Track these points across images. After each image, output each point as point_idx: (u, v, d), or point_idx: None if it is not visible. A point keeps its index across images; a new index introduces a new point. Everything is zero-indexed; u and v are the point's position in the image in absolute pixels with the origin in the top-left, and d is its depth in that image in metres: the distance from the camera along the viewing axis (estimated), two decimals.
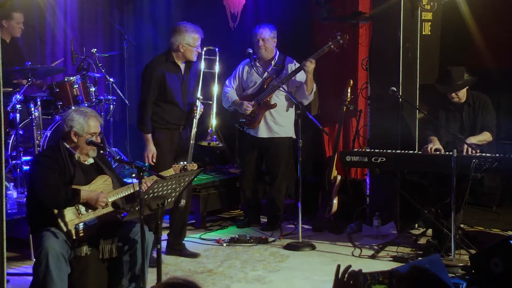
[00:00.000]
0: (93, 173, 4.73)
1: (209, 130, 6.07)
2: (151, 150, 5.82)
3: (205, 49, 6.15)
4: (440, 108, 6.32)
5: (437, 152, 6.01)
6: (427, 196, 6.20)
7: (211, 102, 6.12)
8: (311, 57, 6.54)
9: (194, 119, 5.92)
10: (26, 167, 6.44)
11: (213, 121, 6.08)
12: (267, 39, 6.73)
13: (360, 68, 7.40)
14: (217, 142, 6.12)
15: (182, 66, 5.97)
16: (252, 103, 6.75)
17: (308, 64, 6.51)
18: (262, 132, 6.84)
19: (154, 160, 5.80)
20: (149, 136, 5.83)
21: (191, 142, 5.89)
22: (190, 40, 5.87)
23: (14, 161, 6.57)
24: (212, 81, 6.18)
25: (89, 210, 4.58)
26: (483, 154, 5.77)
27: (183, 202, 5.74)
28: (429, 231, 6.39)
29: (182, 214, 6.04)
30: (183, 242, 6.14)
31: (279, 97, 6.79)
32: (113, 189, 4.71)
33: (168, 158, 5.82)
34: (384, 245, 6.20)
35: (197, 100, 5.94)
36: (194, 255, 6.03)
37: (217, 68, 6.18)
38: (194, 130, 5.91)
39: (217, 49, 6.21)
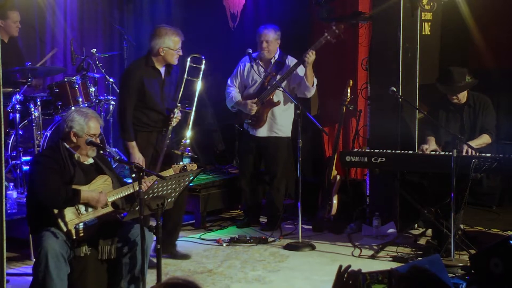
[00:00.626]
0: (93, 173, 4.72)
1: (183, 140, 5.91)
2: (139, 157, 5.67)
3: (191, 56, 6.07)
4: (440, 108, 6.32)
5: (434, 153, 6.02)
6: (427, 196, 6.20)
7: (190, 111, 5.98)
8: (311, 49, 6.53)
9: (170, 127, 5.78)
10: (26, 167, 6.44)
11: (189, 132, 5.90)
12: (271, 41, 6.72)
13: (360, 68, 7.40)
14: (190, 154, 5.91)
15: (162, 70, 5.83)
16: (255, 101, 6.73)
17: (308, 55, 6.50)
18: (263, 131, 6.83)
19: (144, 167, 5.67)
20: (134, 143, 5.69)
21: (164, 149, 5.75)
22: (171, 43, 5.72)
23: (14, 161, 6.57)
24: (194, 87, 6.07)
25: (89, 210, 4.58)
26: (483, 154, 5.78)
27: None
28: (429, 231, 6.39)
29: (176, 214, 5.91)
30: (175, 243, 6.05)
31: (279, 94, 6.79)
32: (113, 189, 4.70)
33: (149, 160, 5.74)
34: (384, 245, 6.20)
35: (176, 108, 5.78)
36: (185, 257, 5.97)
37: (201, 77, 6.05)
38: (167, 139, 5.75)
39: (203, 57, 6.12)
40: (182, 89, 5.92)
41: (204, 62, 6.10)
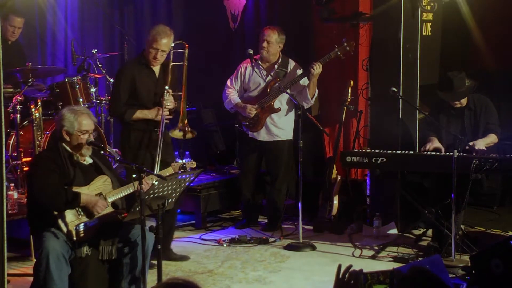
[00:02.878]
0: (93, 173, 4.71)
1: (180, 123, 5.81)
2: (151, 113, 5.65)
3: (175, 42, 5.90)
4: (441, 112, 6.30)
5: (436, 152, 6.01)
6: (427, 196, 6.20)
7: (180, 93, 5.85)
8: (318, 61, 6.51)
9: (165, 111, 5.66)
10: (26, 168, 6.44)
11: (184, 113, 5.80)
12: (272, 42, 6.68)
13: (360, 69, 7.40)
14: (192, 131, 5.82)
15: (156, 68, 5.78)
16: (255, 107, 6.72)
17: (315, 67, 6.48)
18: (262, 135, 6.81)
19: (171, 116, 5.69)
20: (138, 112, 5.64)
21: (161, 136, 5.62)
22: (153, 44, 5.64)
23: (14, 162, 6.57)
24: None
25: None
26: (484, 155, 5.77)
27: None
28: (430, 232, 6.38)
29: (171, 216, 5.82)
30: (171, 247, 5.95)
31: (280, 101, 6.76)
32: (113, 189, 4.69)
33: (148, 159, 5.67)
34: (385, 245, 6.20)
35: (165, 92, 5.69)
36: (184, 258, 5.95)
37: (186, 58, 5.91)
38: (163, 124, 5.65)
39: (185, 43, 5.98)
40: (170, 74, 5.79)
41: (187, 47, 5.94)
